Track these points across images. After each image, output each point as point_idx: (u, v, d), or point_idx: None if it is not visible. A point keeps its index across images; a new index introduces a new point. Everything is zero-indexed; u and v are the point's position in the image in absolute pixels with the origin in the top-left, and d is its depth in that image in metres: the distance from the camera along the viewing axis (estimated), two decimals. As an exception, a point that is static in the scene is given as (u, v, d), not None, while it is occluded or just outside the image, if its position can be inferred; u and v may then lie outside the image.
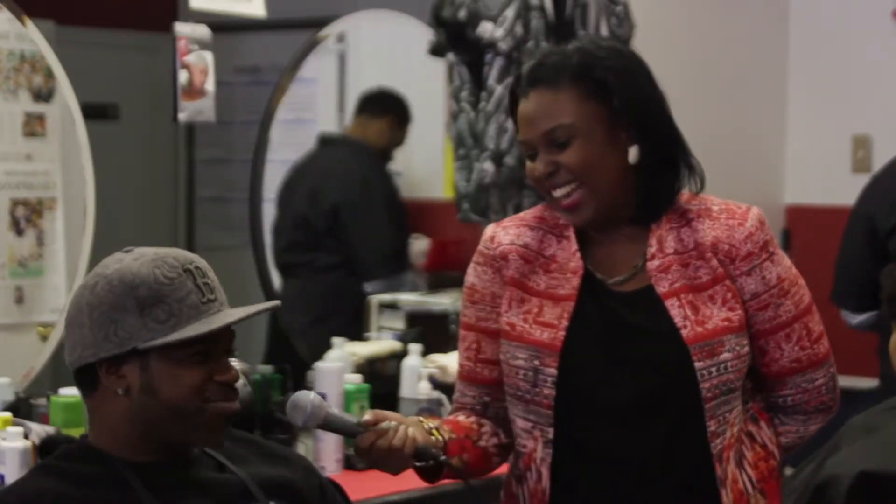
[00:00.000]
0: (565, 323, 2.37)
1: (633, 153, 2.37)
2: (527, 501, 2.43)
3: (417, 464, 2.34)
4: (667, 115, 2.42)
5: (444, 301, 4.46)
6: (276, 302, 2.26)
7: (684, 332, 2.34)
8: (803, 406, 2.48)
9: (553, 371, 2.35)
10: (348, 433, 2.33)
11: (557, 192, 2.37)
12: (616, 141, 2.36)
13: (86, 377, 2.16)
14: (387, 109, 4.93)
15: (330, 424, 2.32)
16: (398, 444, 2.29)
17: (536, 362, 2.37)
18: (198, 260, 2.17)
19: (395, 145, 4.97)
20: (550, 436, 2.38)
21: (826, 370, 2.48)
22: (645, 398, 2.36)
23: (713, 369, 2.34)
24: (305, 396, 2.29)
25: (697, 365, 2.33)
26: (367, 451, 2.29)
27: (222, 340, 2.16)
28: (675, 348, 2.34)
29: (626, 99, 2.36)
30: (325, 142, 4.94)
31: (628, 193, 2.39)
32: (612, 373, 2.37)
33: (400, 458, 2.30)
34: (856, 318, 4.25)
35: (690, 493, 2.38)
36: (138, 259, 2.14)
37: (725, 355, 2.35)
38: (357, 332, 4.42)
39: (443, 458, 2.35)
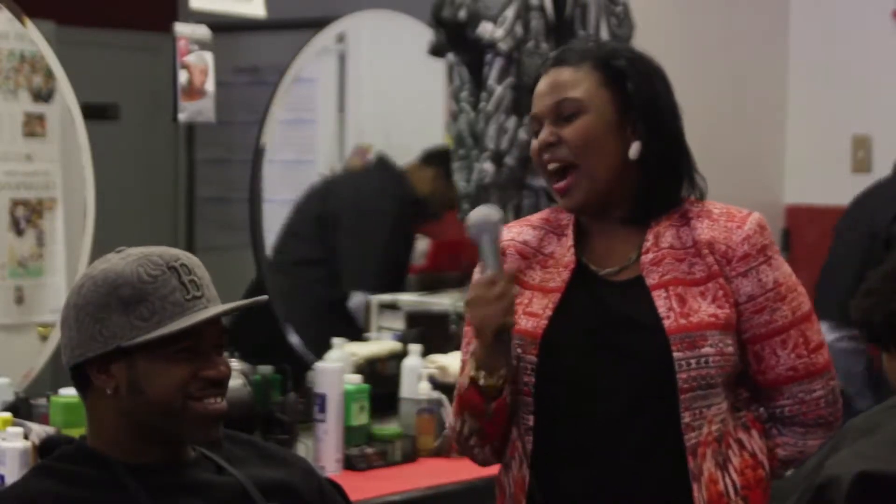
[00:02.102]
0: (549, 312, 2.40)
1: (634, 149, 2.41)
2: (511, 489, 2.45)
3: (500, 339, 2.34)
4: (678, 126, 2.47)
5: (444, 301, 4.46)
6: (264, 297, 2.26)
7: (666, 323, 2.36)
8: (801, 418, 2.48)
9: (532, 359, 2.39)
10: (492, 264, 2.36)
11: (552, 166, 2.42)
12: (621, 132, 2.41)
13: (79, 378, 2.17)
14: (440, 162, 4.90)
15: (492, 244, 2.36)
16: (512, 310, 2.33)
17: (519, 350, 2.41)
18: (185, 257, 2.17)
19: (435, 196, 4.90)
20: (530, 423, 2.41)
21: (825, 382, 2.47)
22: (624, 387, 2.38)
23: (692, 361, 2.35)
24: (497, 215, 2.39)
25: (676, 355, 2.35)
26: (501, 294, 2.32)
27: (208, 336, 2.15)
28: (655, 338, 2.36)
29: (639, 93, 2.41)
30: (379, 161, 4.96)
31: (626, 189, 2.43)
32: (593, 361, 2.39)
33: (508, 315, 2.33)
34: (830, 335, 4.22)
35: (664, 485, 2.39)
36: (125, 258, 2.15)
37: (707, 349, 2.36)
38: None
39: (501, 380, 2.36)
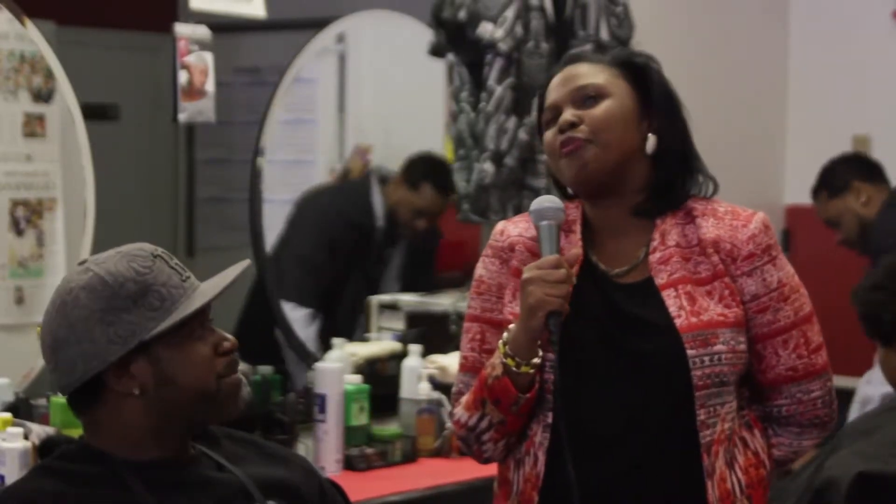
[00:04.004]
0: (567, 307, 2.38)
1: (651, 142, 2.43)
2: (520, 486, 2.44)
3: (548, 323, 2.33)
4: (687, 132, 2.49)
5: (444, 301, 4.46)
6: (247, 261, 2.26)
7: (678, 322, 2.36)
8: (798, 418, 2.48)
9: (552, 356, 2.37)
10: (551, 250, 2.37)
11: (567, 144, 2.41)
12: (639, 123, 2.44)
13: (88, 392, 2.14)
14: (406, 170, 4.86)
15: (552, 231, 2.38)
16: (569, 297, 2.33)
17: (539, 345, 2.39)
18: (158, 247, 2.18)
19: (399, 208, 4.87)
20: (549, 420, 2.40)
21: (823, 383, 2.47)
22: (639, 386, 2.38)
23: (706, 358, 2.36)
24: (557, 204, 2.40)
25: (690, 353, 2.35)
26: (564, 278, 2.33)
27: (206, 312, 2.18)
28: (668, 337, 2.36)
29: (660, 87, 2.45)
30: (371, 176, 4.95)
31: (638, 180, 2.44)
32: (607, 361, 2.39)
33: (566, 301, 2.33)
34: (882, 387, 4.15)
35: (679, 482, 2.39)
36: (105, 262, 2.14)
37: (719, 346, 2.36)
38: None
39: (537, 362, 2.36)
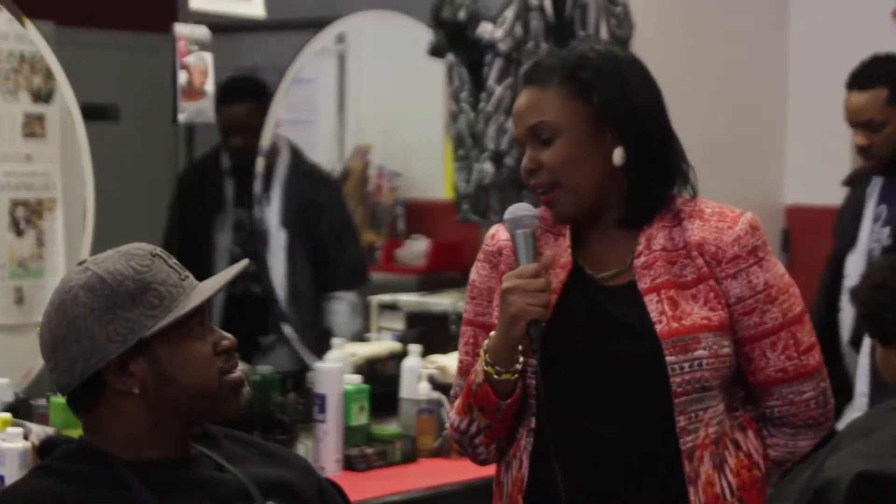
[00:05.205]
0: (549, 314, 2.38)
1: (618, 155, 2.40)
2: (508, 489, 2.46)
3: (529, 331, 2.34)
4: (659, 120, 2.45)
5: (444, 301, 4.46)
6: (246, 261, 2.27)
7: (658, 327, 2.36)
8: (791, 419, 2.47)
9: (534, 361, 2.38)
10: (528, 259, 2.37)
11: (539, 189, 2.43)
12: (601, 141, 2.40)
13: (88, 391, 2.14)
14: None
15: (528, 239, 2.38)
16: (549, 305, 2.33)
17: (520, 350, 2.39)
18: (156, 247, 2.19)
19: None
20: (533, 424, 2.41)
21: (815, 384, 2.46)
22: (621, 392, 2.38)
23: (685, 365, 2.35)
24: (532, 212, 2.41)
25: (669, 359, 2.35)
26: (544, 287, 2.33)
27: (205, 311, 2.18)
28: (648, 342, 2.35)
29: (608, 100, 2.39)
30: None
31: (616, 193, 2.43)
32: (591, 366, 2.40)
33: (546, 309, 2.34)
34: None
35: (662, 488, 2.38)
36: (104, 262, 2.15)
37: (700, 352, 2.35)
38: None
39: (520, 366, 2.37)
